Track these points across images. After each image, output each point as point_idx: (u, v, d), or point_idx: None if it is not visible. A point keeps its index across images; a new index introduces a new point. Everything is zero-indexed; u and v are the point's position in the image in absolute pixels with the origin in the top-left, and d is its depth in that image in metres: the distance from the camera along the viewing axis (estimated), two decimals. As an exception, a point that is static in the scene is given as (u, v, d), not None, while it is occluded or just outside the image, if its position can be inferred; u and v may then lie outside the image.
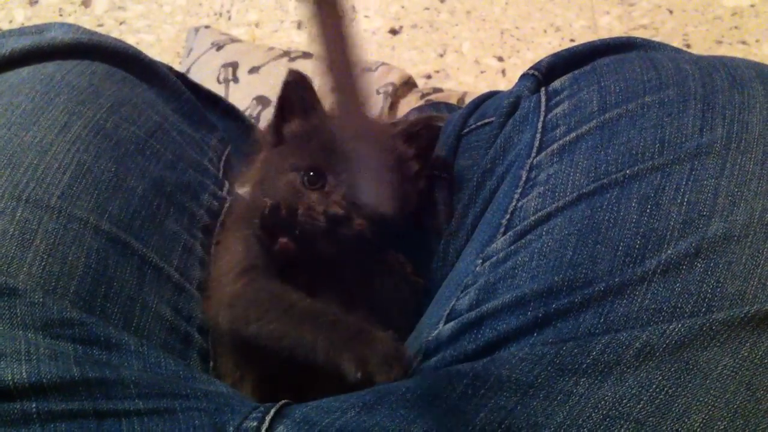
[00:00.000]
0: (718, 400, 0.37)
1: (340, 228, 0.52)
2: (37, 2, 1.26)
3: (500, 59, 1.18)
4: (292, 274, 0.53)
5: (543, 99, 0.53)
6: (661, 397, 0.37)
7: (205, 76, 1.00)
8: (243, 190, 0.62)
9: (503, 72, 1.17)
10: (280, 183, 0.55)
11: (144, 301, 0.50)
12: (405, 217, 0.57)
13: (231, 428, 0.41)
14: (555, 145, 0.49)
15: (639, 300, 0.39)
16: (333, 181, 0.54)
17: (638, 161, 0.44)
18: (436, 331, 0.46)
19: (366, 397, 0.41)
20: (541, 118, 0.51)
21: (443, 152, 0.63)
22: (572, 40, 1.19)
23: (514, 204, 0.48)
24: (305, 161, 0.55)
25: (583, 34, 1.20)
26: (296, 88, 0.58)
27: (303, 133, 0.57)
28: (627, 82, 0.49)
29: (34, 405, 0.41)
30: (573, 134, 0.48)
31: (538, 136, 0.50)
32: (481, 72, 1.17)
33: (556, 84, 0.53)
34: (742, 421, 0.36)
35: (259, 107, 0.94)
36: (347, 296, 0.51)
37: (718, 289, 0.39)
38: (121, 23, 1.25)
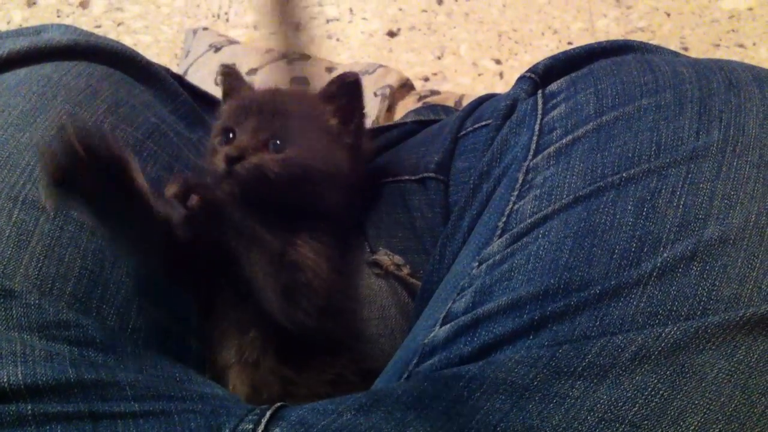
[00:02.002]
0: (714, 403, 0.37)
1: (235, 165, 0.53)
2: (35, 3, 1.26)
3: (498, 62, 1.19)
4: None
5: (540, 102, 0.53)
6: (657, 400, 0.37)
7: (203, 77, 1.00)
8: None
9: (501, 74, 1.17)
10: (207, 152, 0.59)
11: (140, 303, 0.50)
12: (333, 174, 0.57)
13: (227, 430, 0.41)
14: (551, 148, 0.49)
15: (635, 303, 0.39)
16: (239, 133, 0.56)
17: (634, 164, 0.44)
18: (432, 334, 0.46)
19: (362, 399, 0.41)
20: (538, 121, 0.51)
21: (440, 155, 0.63)
22: (570, 43, 1.20)
23: (510, 206, 0.48)
24: (220, 126, 0.58)
25: (580, 37, 1.20)
26: (227, 77, 0.63)
27: (228, 108, 0.60)
28: (624, 85, 0.49)
29: (29, 406, 0.41)
30: (569, 137, 0.48)
31: (535, 138, 0.50)
32: (479, 74, 1.17)
33: (553, 87, 0.53)
34: (737, 425, 0.37)
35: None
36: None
37: (714, 293, 0.39)
38: (118, 24, 1.25)
